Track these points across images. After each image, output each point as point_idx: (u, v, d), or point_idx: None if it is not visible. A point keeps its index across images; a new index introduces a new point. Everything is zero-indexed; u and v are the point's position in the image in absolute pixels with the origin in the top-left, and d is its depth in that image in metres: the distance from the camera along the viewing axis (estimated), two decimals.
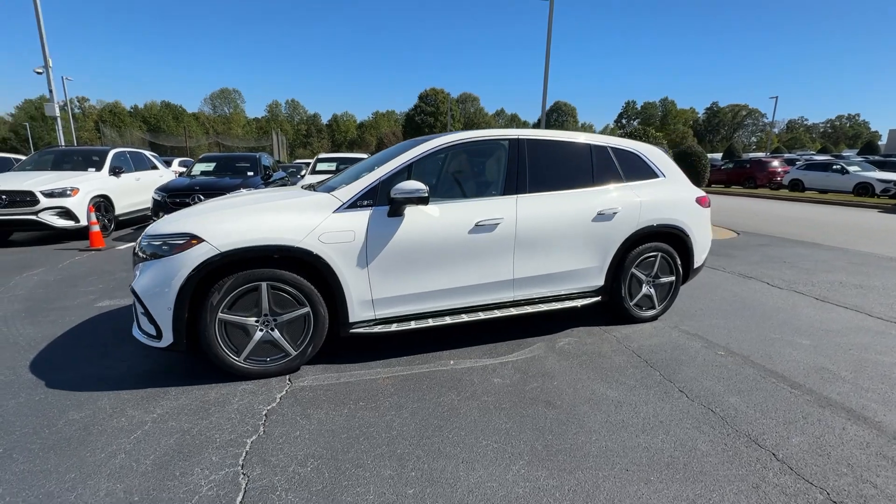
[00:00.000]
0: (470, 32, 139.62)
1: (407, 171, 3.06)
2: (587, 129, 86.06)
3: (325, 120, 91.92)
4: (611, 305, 3.80)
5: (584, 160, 3.64)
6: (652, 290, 3.86)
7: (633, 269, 3.72)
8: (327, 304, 2.85)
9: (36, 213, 6.99)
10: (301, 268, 2.76)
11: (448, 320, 3.14)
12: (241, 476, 1.92)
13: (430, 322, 3.10)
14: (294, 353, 2.83)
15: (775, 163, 22.35)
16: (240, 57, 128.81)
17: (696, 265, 4.01)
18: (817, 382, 2.83)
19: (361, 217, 2.87)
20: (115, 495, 1.81)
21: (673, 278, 3.91)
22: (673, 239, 3.86)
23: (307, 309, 2.79)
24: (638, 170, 3.82)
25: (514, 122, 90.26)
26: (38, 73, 15.17)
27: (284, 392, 2.64)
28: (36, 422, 2.31)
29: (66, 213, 7.19)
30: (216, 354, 2.66)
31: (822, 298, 4.61)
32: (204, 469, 1.96)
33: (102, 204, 7.89)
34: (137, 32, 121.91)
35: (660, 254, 3.79)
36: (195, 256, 2.53)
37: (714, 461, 2.06)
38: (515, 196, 3.30)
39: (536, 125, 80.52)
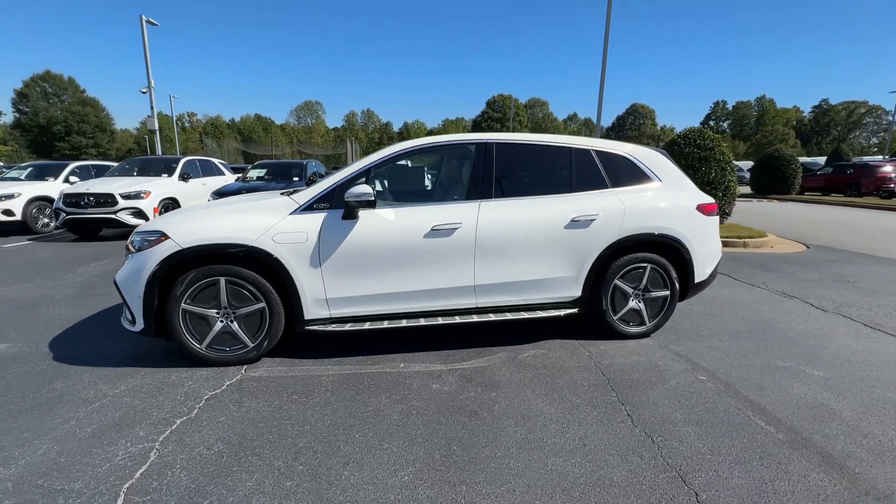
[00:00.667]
0: (543, 35, 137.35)
1: (366, 176, 3.14)
2: (668, 132, 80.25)
3: (396, 128, 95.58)
4: (592, 318, 3.56)
5: (561, 165, 3.47)
6: (641, 305, 3.56)
7: (617, 281, 3.46)
8: (283, 301, 3.02)
9: (115, 212, 8.12)
10: (257, 265, 2.95)
11: (404, 323, 3.17)
12: (154, 451, 2.11)
13: (385, 324, 3.14)
14: (251, 345, 3.03)
15: (887, 167, 19.19)
16: (321, 70, 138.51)
17: (698, 279, 3.62)
18: (805, 421, 2.43)
19: (315, 219, 3.00)
20: (49, 455, 2.08)
21: (667, 293, 3.57)
22: (666, 249, 3.53)
23: (263, 304, 2.98)
24: (628, 174, 3.55)
25: (587, 126, 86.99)
26: (143, 92, 17.59)
27: (234, 380, 2.84)
28: (26, 387, 2.72)
29: (139, 213, 8.26)
30: (180, 341, 2.93)
31: (872, 325, 3.92)
32: (128, 441, 2.19)
33: (170, 205, 8.94)
34: (237, 52, 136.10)
35: (649, 265, 3.48)
36: (161, 252, 2.82)
37: (617, 493, 1.87)
38: (478, 202, 3.23)
39: (609, 130, 76.91)
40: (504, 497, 1.85)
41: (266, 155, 72.11)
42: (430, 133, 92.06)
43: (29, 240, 8.41)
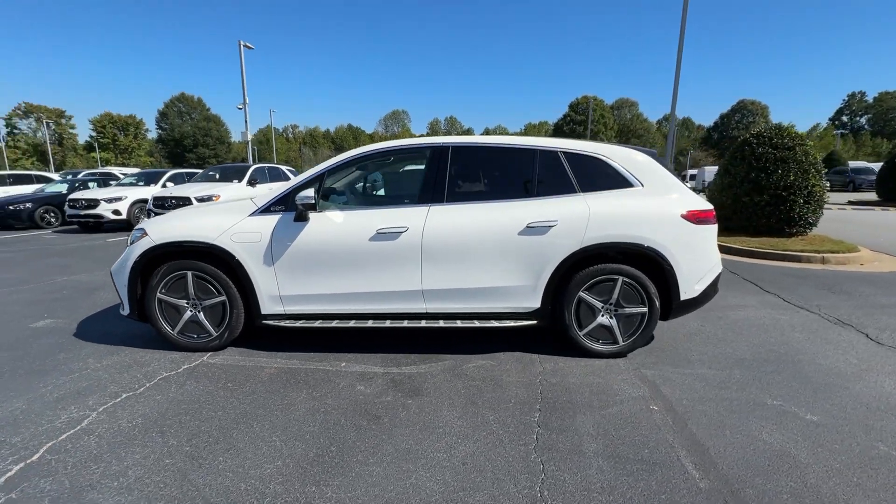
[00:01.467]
0: (635, 32, 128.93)
1: (319, 180, 3.27)
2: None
3: (477, 133, 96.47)
4: (557, 333, 3.31)
5: (524, 167, 3.29)
6: (612, 321, 3.23)
7: (582, 294, 3.18)
8: (241, 296, 3.27)
9: None
10: (218, 262, 3.23)
11: (352, 324, 3.24)
12: (88, 419, 2.44)
13: (335, 323, 3.24)
14: (215, 334, 3.32)
15: None
16: (409, 79, 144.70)
17: (684, 297, 3.19)
18: (750, 473, 2.02)
19: (270, 221, 3.20)
20: (15, 412, 2.50)
21: (644, 310, 3.19)
22: (641, 261, 3.17)
23: (224, 298, 3.26)
24: (602, 178, 3.25)
25: (685, 126, 79.71)
26: (239, 108, 19.95)
27: (192, 365, 3.14)
28: (40, 356, 3.28)
29: None
30: (156, 326, 3.32)
31: None
32: (76, 408, 2.55)
33: None
34: (337, 67, 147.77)
35: (621, 278, 3.15)
36: (141, 246, 3.23)
37: None
38: (428, 206, 3.20)
39: (710, 130, 69.52)
40: (371, 492, 1.83)
41: None
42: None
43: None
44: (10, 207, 11.27)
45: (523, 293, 3.19)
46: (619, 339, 3.25)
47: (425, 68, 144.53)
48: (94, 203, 10.47)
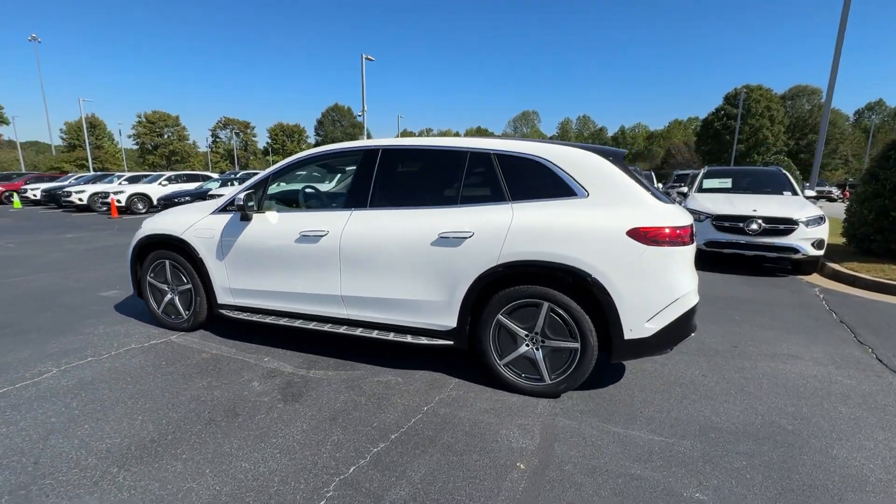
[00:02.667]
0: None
1: (264, 183, 3.45)
2: None
3: (611, 133, 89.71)
4: (476, 359, 2.94)
5: (452, 171, 2.98)
6: (537, 354, 2.74)
7: (502, 317, 2.77)
8: (203, 285, 3.64)
9: None
10: (184, 254, 3.65)
11: (283, 322, 3.36)
12: (48, 374, 3.00)
13: (268, 319, 3.40)
14: (185, 316, 3.78)
15: None
16: (537, 79, 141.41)
17: (631, 335, 2.54)
18: None
19: (223, 219, 3.50)
20: (11, 361, 3.21)
21: (575, 345, 2.64)
22: (572, 286, 2.61)
23: (190, 286, 3.68)
24: (538, 184, 2.78)
25: None
26: (359, 116, 22.02)
27: (156, 341, 3.61)
28: (76, 318, 4.14)
29: None
30: (147, 304, 3.91)
31: None
32: (52, 365, 3.15)
33: None
34: (466, 71, 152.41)
35: (546, 304, 2.65)
36: (136, 236, 3.84)
37: None
38: (351, 211, 3.13)
39: None
40: (149, 488, 1.92)
41: None
42: (651, 137, 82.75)
43: None
44: (176, 200, 14.37)
45: (438, 310, 2.90)
46: (546, 375, 2.74)
47: (559, 68, 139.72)
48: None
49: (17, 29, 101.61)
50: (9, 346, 3.47)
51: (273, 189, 3.55)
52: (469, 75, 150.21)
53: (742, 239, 6.14)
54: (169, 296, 3.81)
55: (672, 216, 2.57)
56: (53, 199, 17.77)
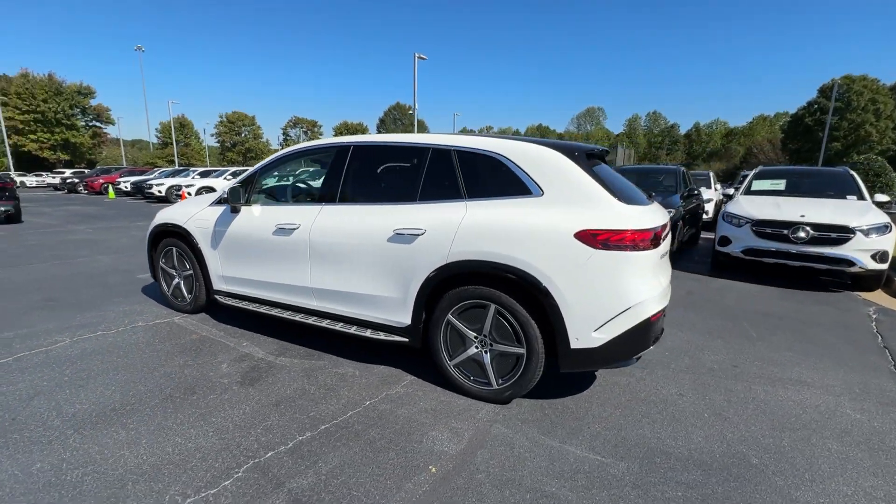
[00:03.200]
0: None
1: (252, 178, 3.64)
2: None
3: (684, 129, 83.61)
4: (428, 358, 2.90)
5: (414, 168, 2.97)
6: (485, 357, 2.65)
7: (451, 317, 2.71)
8: (201, 271, 3.93)
9: None
10: (186, 242, 3.95)
11: (263, 310, 3.53)
12: (58, 344, 3.40)
13: (251, 307, 3.60)
14: (188, 299, 4.09)
15: None
16: (603, 76, 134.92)
17: (577, 344, 2.38)
18: None
19: (217, 210, 3.75)
20: (40, 331, 3.67)
21: (521, 351, 2.52)
22: (516, 288, 2.49)
23: (191, 271, 3.98)
24: (494, 181, 2.68)
25: None
26: (410, 112, 22.42)
27: (163, 321, 3.96)
28: (106, 297, 4.64)
29: None
30: (159, 287, 4.29)
31: None
32: (67, 335, 3.57)
33: None
34: (526, 67, 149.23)
35: (493, 306, 2.56)
36: (150, 225, 4.22)
37: None
38: (321, 206, 3.21)
39: None
40: (89, 451, 2.14)
41: None
42: (729, 134, 76.11)
43: None
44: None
45: (394, 306, 2.90)
46: (493, 380, 2.64)
47: (627, 65, 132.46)
48: None
49: (124, 37, 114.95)
50: (45, 317, 3.97)
51: (271, 182, 3.74)
52: (532, 73, 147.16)
53: (786, 247, 5.47)
54: (176, 280, 4.15)
55: (632, 219, 2.36)
56: (139, 191, 19.98)
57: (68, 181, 27.14)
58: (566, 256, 2.35)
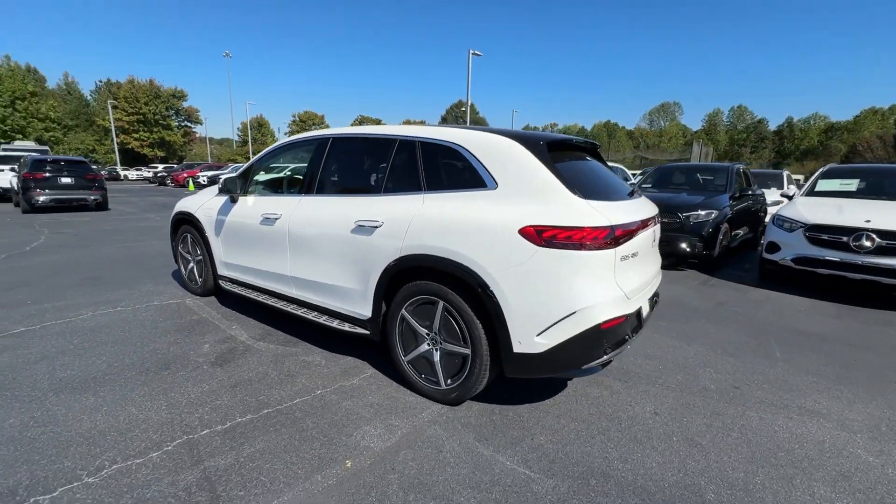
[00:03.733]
0: None
1: (249, 170, 3.81)
2: None
3: (774, 125, 75.49)
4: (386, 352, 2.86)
5: (381, 160, 2.93)
6: (435, 355, 2.56)
7: (405, 312, 2.66)
8: (208, 256, 4.19)
9: None
10: (198, 229, 4.24)
11: (252, 296, 3.69)
12: (80, 317, 3.80)
13: (244, 292, 3.77)
14: (200, 282, 4.39)
15: None
16: (682, 69, 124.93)
17: (520, 349, 2.22)
18: None
19: (220, 200, 3.97)
20: (66, 307, 4.14)
21: (466, 351, 2.40)
22: (462, 286, 2.37)
23: (201, 256, 4.27)
24: (453, 173, 2.59)
25: None
26: (462, 110, 22.35)
27: (177, 301, 4.28)
28: (141, 277, 5.12)
29: None
30: (179, 269, 4.65)
31: None
32: (90, 310, 3.98)
33: None
34: (594, 63, 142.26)
35: (441, 303, 2.46)
36: (173, 213, 4.58)
37: None
38: (301, 197, 3.29)
39: None
40: (57, 412, 2.38)
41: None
42: (830, 130, 67.58)
43: None
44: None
45: (356, 297, 2.90)
46: (441, 380, 2.55)
47: (708, 56, 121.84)
48: None
49: (213, 41, 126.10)
50: (82, 292, 4.47)
51: (270, 174, 3.90)
52: (601, 68, 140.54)
53: (845, 257, 4.73)
54: (191, 264, 4.48)
55: (586, 215, 2.15)
56: (213, 184, 21.89)
57: (158, 175, 30.43)
58: (509, 254, 2.19)
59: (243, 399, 2.56)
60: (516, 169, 2.36)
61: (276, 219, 3.34)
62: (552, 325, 2.14)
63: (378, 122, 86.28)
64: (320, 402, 2.56)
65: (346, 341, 3.39)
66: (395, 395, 2.66)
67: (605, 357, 2.23)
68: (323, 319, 3.11)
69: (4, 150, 18.19)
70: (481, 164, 2.45)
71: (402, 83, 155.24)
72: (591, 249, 2.11)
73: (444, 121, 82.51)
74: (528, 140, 2.44)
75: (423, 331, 2.59)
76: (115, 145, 43.03)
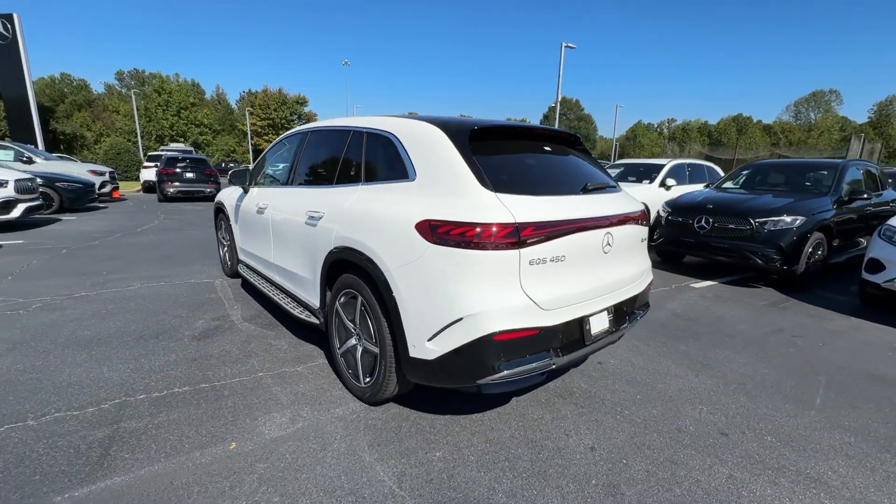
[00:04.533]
0: None
1: (262, 163, 4.09)
2: None
3: None
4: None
5: (338, 152, 2.93)
6: (358, 351, 2.50)
7: (338, 304, 2.63)
8: (232, 242, 4.62)
9: None
10: (225, 217, 4.69)
11: (251, 278, 3.98)
12: (129, 287, 4.47)
13: (247, 275, 4.08)
14: (228, 265, 4.87)
15: None
16: (842, 54, 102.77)
17: (414, 353, 2.05)
18: None
19: (239, 191, 4.35)
20: (138, 275, 4.89)
21: (376, 350, 2.30)
22: (371, 281, 2.26)
23: (229, 242, 4.73)
24: (385, 164, 2.49)
25: None
26: (553, 107, 21.41)
27: (207, 280, 4.81)
28: (193, 259, 5.84)
29: None
30: (219, 254, 5.21)
31: None
32: (138, 281, 4.67)
33: None
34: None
35: (360, 298, 2.39)
36: (214, 203, 5.14)
37: None
38: (281, 188, 3.46)
39: None
40: (52, 363, 2.85)
41: (728, 160, 64.61)
42: None
43: None
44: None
45: (310, 287, 2.95)
46: (360, 376, 2.47)
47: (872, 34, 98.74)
48: None
49: (336, 52, 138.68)
50: (147, 268, 5.27)
51: (276, 166, 4.17)
52: (729, 56, 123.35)
53: None
54: (225, 248, 4.99)
55: (489, 209, 1.89)
56: None
57: None
58: (405, 250, 2.03)
59: (193, 372, 2.77)
60: (434, 159, 2.17)
61: (265, 209, 3.55)
62: (441, 331, 1.93)
63: None
64: (254, 384, 2.65)
65: (312, 330, 3.47)
66: (326, 388, 2.65)
67: (497, 374, 1.93)
68: (291, 306, 3.22)
69: (163, 150, 22.20)
70: (407, 153, 2.31)
71: (505, 81, 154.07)
72: (485, 249, 1.85)
73: (546, 118, 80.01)
74: (451, 127, 2.22)
75: (350, 325, 2.54)
76: (250, 146, 49.94)
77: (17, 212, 7.46)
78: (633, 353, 3.26)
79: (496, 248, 1.86)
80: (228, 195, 4.60)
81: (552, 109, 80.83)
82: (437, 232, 1.92)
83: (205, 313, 3.81)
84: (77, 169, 12.29)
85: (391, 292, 2.08)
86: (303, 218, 2.91)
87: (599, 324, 2.27)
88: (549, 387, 2.74)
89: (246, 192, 4.12)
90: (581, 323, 2.16)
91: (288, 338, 3.36)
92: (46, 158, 12.28)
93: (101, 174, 12.74)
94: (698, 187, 7.79)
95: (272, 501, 1.75)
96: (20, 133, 23.61)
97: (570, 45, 20.90)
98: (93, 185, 11.12)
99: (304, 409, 2.40)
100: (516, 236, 1.87)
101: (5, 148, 11.27)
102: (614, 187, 2.61)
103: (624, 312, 2.48)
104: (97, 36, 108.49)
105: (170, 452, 2.02)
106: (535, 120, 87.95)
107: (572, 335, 2.13)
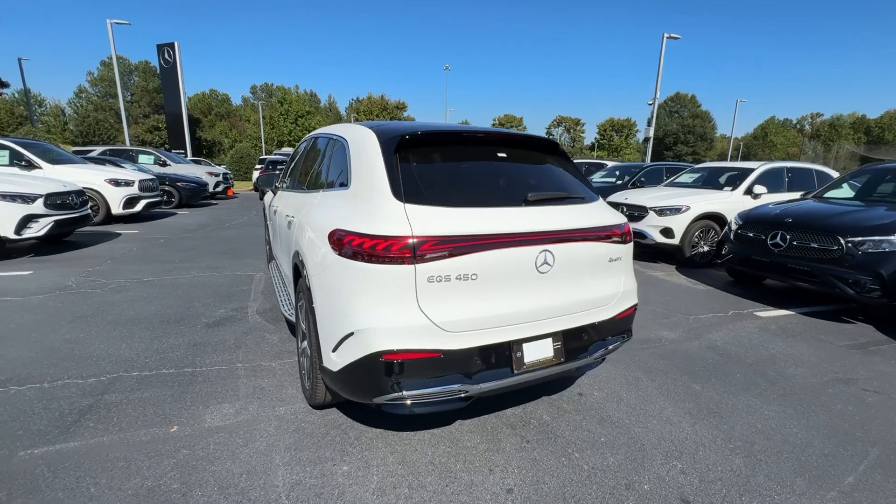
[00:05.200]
0: None
1: (286, 167, 4.40)
2: None
3: None
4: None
5: (317, 159, 3.07)
6: (307, 353, 2.56)
7: (298, 305, 2.72)
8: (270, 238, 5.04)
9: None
10: (266, 216, 5.13)
11: (272, 276, 4.31)
12: (189, 275, 5.13)
13: (273, 272, 4.43)
14: (267, 259, 5.32)
15: None
16: None
17: (326, 363, 2.04)
18: None
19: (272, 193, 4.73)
20: (199, 265, 5.60)
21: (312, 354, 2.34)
22: (307, 288, 2.30)
23: (266, 239, 5.17)
24: (340, 171, 2.51)
25: None
26: (649, 104, 19.69)
27: (247, 273, 5.30)
28: (249, 254, 6.48)
29: (667, 232, 6.57)
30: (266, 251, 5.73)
31: None
32: (196, 271, 5.33)
33: (707, 225, 6.63)
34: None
35: (304, 302, 2.45)
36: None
37: None
38: (286, 191, 3.69)
39: None
40: (75, 335, 3.41)
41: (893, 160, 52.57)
42: None
43: None
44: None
45: (290, 286, 3.10)
46: (305, 378, 2.52)
47: None
48: None
49: (435, 58, 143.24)
50: (209, 260, 5.99)
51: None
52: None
53: None
54: (268, 245, 5.46)
55: (383, 221, 1.80)
56: None
57: None
58: (320, 258, 2.03)
59: (185, 356, 3.08)
60: (364, 166, 2.14)
61: (275, 210, 3.81)
62: (340, 343, 1.89)
63: (576, 122, 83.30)
64: (227, 374, 2.86)
65: None
66: (286, 385, 2.75)
67: (397, 393, 1.81)
68: (282, 302, 3.41)
69: (276, 153, 25.07)
70: (350, 160, 2.30)
71: (606, 82, 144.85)
72: (380, 263, 1.76)
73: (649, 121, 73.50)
74: (385, 133, 2.16)
75: (304, 326, 2.61)
76: None
77: (139, 206, 9.03)
78: (629, 387, 2.85)
79: (391, 262, 1.76)
80: (269, 196, 5.03)
81: (661, 107, 74.03)
82: (342, 242, 1.88)
83: (229, 303, 4.21)
84: (198, 171, 14.46)
85: (311, 300, 2.09)
86: (285, 221, 3.07)
87: (538, 352, 2.03)
88: (505, 412, 2.52)
89: (274, 193, 4.46)
90: (506, 349, 1.94)
91: (282, 333, 3.56)
92: (177, 162, 14.68)
93: (216, 175, 14.83)
94: (789, 195, 6.52)
95: (171, 487, 1.87)
96: (175, 140, 28.63)
97: (672, 35, 18.92)
98: (206, 184, 13.00)
99: (252, 404, 2.53)
100: (411, 251, 1.75)
101: (147, 153, 13.72)
102: (580, 198, 2.29)
103: (582, 341, 2.17)
104: (240, 53, 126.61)
105: (123, 427, 2.26)
106: (640, 118, 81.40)
107: (493, 362, 1.93)
